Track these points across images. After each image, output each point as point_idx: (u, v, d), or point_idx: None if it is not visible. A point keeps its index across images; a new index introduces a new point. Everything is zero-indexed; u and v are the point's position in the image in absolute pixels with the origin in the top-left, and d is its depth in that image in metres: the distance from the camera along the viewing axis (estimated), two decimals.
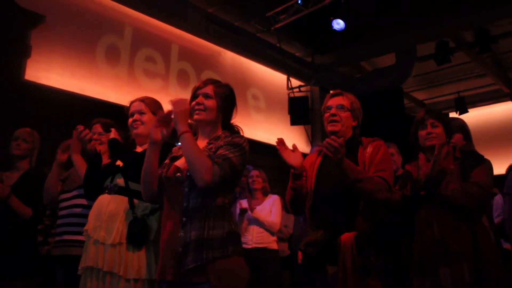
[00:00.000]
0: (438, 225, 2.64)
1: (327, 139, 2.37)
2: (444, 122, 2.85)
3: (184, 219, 2.05)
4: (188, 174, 2.08)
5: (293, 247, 4.81)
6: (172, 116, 2.11)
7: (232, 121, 2.33)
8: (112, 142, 2.64)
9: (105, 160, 2.87)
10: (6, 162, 3.55)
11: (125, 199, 2.51)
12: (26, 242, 3.30)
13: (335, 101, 2.62)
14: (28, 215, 3.33)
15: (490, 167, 2.79)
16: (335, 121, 2.58)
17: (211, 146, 2.15)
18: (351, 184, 2.37)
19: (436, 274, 2.58)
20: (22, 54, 5.10)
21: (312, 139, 8.69)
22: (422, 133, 2.85)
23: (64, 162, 3.22)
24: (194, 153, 2.03)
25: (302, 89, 8.58)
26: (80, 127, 2.97)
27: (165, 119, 2.17)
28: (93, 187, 2.66)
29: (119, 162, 2.66)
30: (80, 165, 2.98)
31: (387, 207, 2.49)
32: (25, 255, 3.25)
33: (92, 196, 2.64)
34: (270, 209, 4.69)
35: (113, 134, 2.75)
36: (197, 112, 2.21)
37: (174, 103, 2.11)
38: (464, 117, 6.98)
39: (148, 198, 2.27)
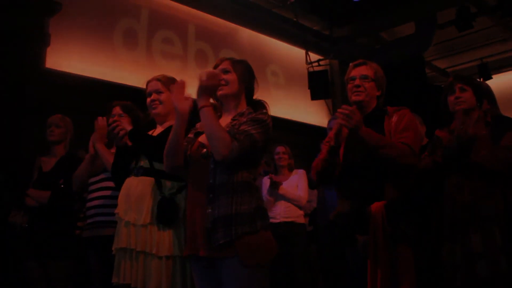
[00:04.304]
0: (469, 190, 2.62)
1: (338, 109, 2.37)
2: (473, 86, 2.79)
3: (211, 195, 2.07)
4: None
5: (319, 221, 4.82)
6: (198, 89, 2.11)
7: (255, 97, 2.33)
8: (131, 133, 2.65)
9: (128, 142, 2.88)
10: (44, 147, 3.69)
11: (152, 180, 2.55)
12: (62, 224, 3.40)
13: (359, 71, 2.59)
14: (46, 198, 3.38)
15: None
16: (359, 91, 2.56)
17: (235, 122, 2.16)
18: (373, 151, 2.35)
19: (467, 239, 2.57)
20: (41, 43, 5.15)
21: (333, 113, 8.62)
22: (451, 98, 2.80)
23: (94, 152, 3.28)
24: (212, 127, 2.04)
25: (321, 63, 8.48)
26: (100, 119, 3.01)
27: (178, 90, 2.18)
28: (121, 177, 2.70)
29: None
30: (104, 153, 3.05)
31: (414, 173, 2.47)
32: (62, 237, 3.35)
33: (120, 185, 2.69)
34: (296, 183, 4.71)
35: (128, 126, 2.75)
36: (219, 88, 2.21)
37: (202, 75, 2.10)
38: (488, 83, 6.83)
39: (171, 170, 2.27)
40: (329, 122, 4.29)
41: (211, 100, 2.21)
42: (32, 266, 3.30)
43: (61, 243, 3.33)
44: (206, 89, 2.10)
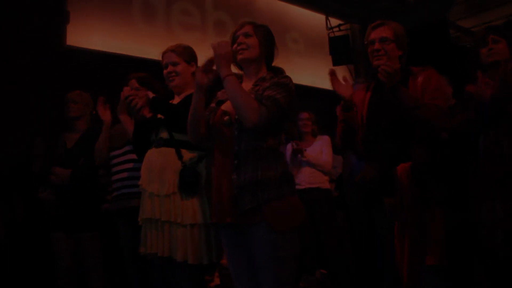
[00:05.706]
0: (507, 144, 2.51)
1: (381, 66, 2.32)
2: (507, 37, 2.68)
3: (236, 162, 2.07)
4: (236, 117, 2.09)
5: (345, 186, 4.82)
6: (214, 60, 2.09)
7: (275, 64, 2.31)
8: (153, 101, 2.66)
9: (146, 114, 2.89)
10: (67, 124, 3.71)
11: (172, 150, 2.57)
12: (87, 199, 3.44)
13: (378, 34, 2.54)
14: (67, 177, 3.42)
15: None
16: (380, 55, 2.51)
17: (257, 88, 2.14)
18: (408, 112, 2.31)
19: (508, 194, 2.47)
20: (61, 21, 5.18)
21: (355, 78, 8.50)
22: (483, 50, 2.69)
23: (110, 122, 3.32)
24: (239, 95, 2.03)
25: (342, 27, 8.33)
26: (127, 89, 3.00)
27: (208, 67, 2.16)
28: (142, 149, 2.73)
29: (160, 115, 2.69)
30: (127, 123, 3.05)
31: (443, 133, 2.42)
32: (86, 210, 3.40)
33: (142, 157, 2.72)
34: (321, 149, 4.69)
35: (150, 94, 2.77)
36: (240, 52, 2.20)
37: (215, 46, 2.09)
38: None
39: (195, 141, 2.29)
40: (354, 85, 4.24)
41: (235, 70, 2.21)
42: (59, 238, 3.37)
43: (86, 216, 3.38)
44: (222, 58, 2.08)
